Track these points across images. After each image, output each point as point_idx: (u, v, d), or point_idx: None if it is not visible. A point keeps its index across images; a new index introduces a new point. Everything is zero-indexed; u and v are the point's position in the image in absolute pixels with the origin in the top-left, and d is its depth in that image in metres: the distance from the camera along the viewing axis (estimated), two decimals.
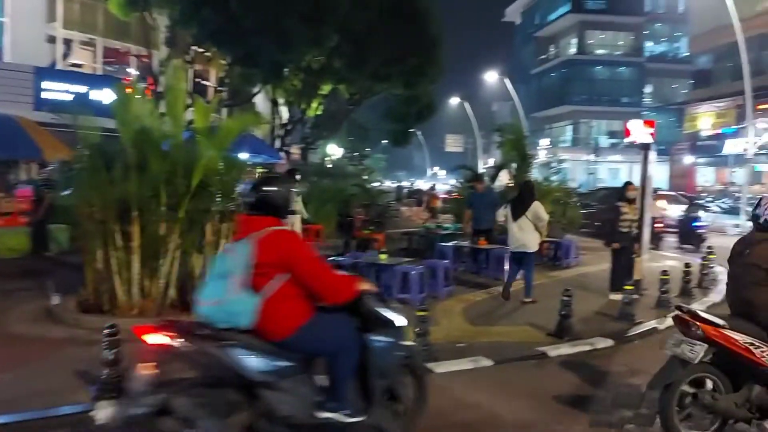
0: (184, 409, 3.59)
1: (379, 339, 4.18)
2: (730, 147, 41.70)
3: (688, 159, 47.14)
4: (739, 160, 40.52)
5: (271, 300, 3.80)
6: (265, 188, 4.01)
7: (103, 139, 8.37)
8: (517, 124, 16.33)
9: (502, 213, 9.63)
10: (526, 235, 9.12)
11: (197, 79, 25.12)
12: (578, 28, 59.43)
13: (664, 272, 9.32)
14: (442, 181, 67.55)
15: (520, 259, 9.32)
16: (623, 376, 6.37)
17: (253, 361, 3.70)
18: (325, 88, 24.36)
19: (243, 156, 14.65)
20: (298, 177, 12.35)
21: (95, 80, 19.58)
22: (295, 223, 12.02)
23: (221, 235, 8.08)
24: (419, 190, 39.29)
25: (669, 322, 8.31)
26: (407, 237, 14.91)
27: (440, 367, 6.27)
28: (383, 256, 9.48)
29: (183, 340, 3.65)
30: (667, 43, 61.38)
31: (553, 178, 16.05)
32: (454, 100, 60.99)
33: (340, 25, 18.71)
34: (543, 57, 65.40)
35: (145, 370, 3.58)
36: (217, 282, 3.81)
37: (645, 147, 10.01)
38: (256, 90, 21.85)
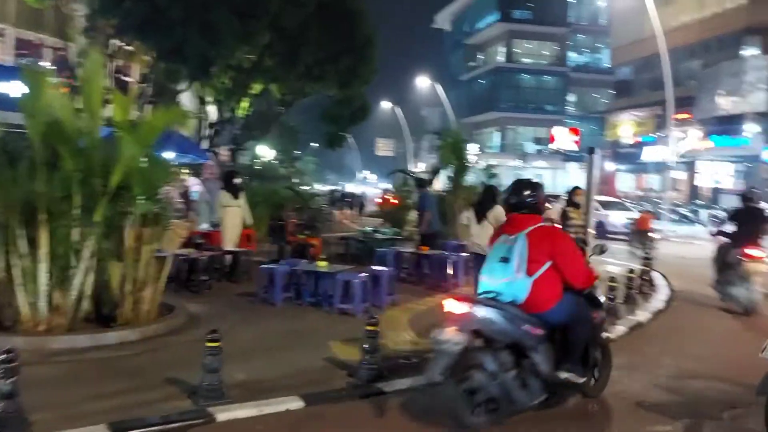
0: (492, 365, 4.67)
1: (598, 315, 5.41)
2: (649, 154, 43.41)
3: (609, 165, 48.65)
4: (659, 167, 42.28)
5: (538, 281, 4.91)
6: (527, 192, 5.22)
7: (8, 135, 7.42)
8: (455, 128, 16.07)
9: (466, 216, 9.30)
10: (485, 238, 8.83)
11: (118, 75, 23.65)
12: (506, 37, 60.53)
13: (612, 278, 9.16)
14: (371, 185, 67.34)
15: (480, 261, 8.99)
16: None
17: (527, 329, 4.76)
18: (256, 88, 23.43)
19: (168, 155, 13.68)
20: (238, 180, 11.62)
21: (2, 71, 17.98)
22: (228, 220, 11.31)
23: (144, 240, 7.27)
24: (352, 194, 38.78)
25: (619, 329, 8.15)
26: (344, 242, 14.34)
27: (392, 386, 5.71)
28: (322, 263, 8.88)
29: (479, 308, 4.81)
30: (590, 53, 63.46)
31: (491, 182, 15.83)
32: (385, 105, 60.89)
33: (272, 21, 17.94)
34: (472, 64, 66.29)
35: (453, 334, 4.58)
36: (502, 265, 4.99)
37: (591, 151, 9.85)
38: (182, 87, 20.71)
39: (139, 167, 7.23)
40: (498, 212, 8.93)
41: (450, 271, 10.56)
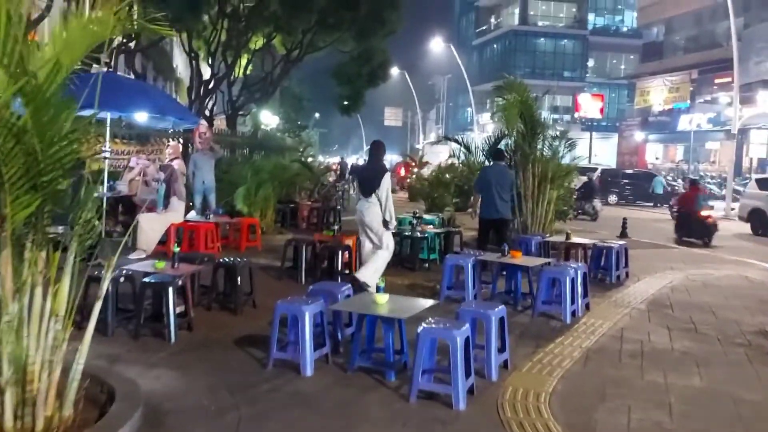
0: None
1: None
2: (685, 123, 39.72)
3: (638, 135, 44.89)
4: (698, 136, 38.50)
5: None
6: None
7: None
8: (521, 82, 12.22)
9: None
10: None
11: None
12: None
13: None
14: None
15: None
16: None
17: None
18: (257, 41, 19.56)
19: (140, 117, 9.94)
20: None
21: None
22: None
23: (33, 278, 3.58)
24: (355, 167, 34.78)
25: None
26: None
27: None
28: (381, 300, 5.18)
29: None
30: (611, 15, 59.43)
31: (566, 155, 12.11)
32: (393, 71, 56.66)
33: None
34: (484, 28, 62.30)
35: None
36: None
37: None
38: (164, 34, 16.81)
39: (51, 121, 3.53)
40: None
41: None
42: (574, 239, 8.96)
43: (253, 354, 5.19)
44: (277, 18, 17.20)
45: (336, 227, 8.47)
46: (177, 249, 7.07)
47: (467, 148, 12.96)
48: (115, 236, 10.18)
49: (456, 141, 13.12)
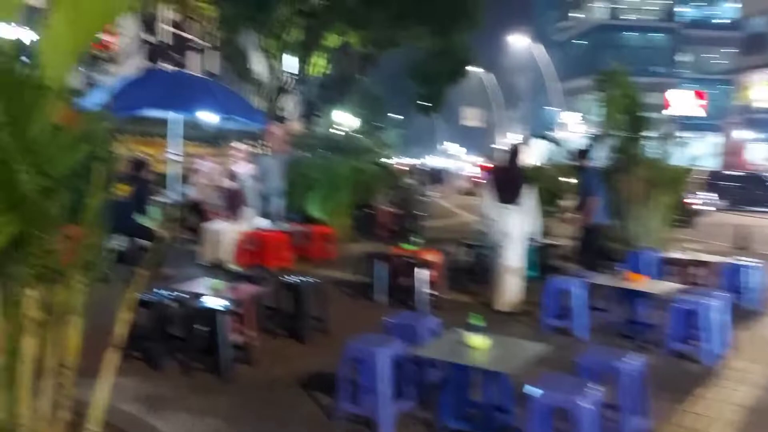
0: None
1: None
2: None
3: (741, 134, 41.65)
4: None
5: None
6: None
7: None
8: (624, 72, 10.86)
9: None
10: None
11: (175, 31, 19.61)
12: None
13: None
14: (455, 160, 62.41)
15: None
16: None
17: None
18: (333, 40, 18.85)
19: (205, 116, 9.30)
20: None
21: None
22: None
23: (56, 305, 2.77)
24: (441, 170, 33.74)
25: None
26: (465, 249, 9.18)
27: None
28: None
29: None
30: (705, 7, 55.91)
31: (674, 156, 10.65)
32: (471, 69, 55.17)
33: None
34: (567, 23, 60.04)
35: None
36: None
37: None
38: (236, 32, 16.32)
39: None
40: None
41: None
42: (700, 255, 7.60)
43: (320, 401, 4.27)
44: (353, 14, 16.40)
45: (418, 239, 7.45)
46: (236, 267, 6.30)
47: (560, 146, 11.72)
48: (183, 244, 9.64)
49: (549, 139, 11.86)
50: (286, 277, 5.86)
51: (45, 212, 2.41)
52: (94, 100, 8.94)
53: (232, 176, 8.49)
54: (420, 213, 13.08)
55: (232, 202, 8.29)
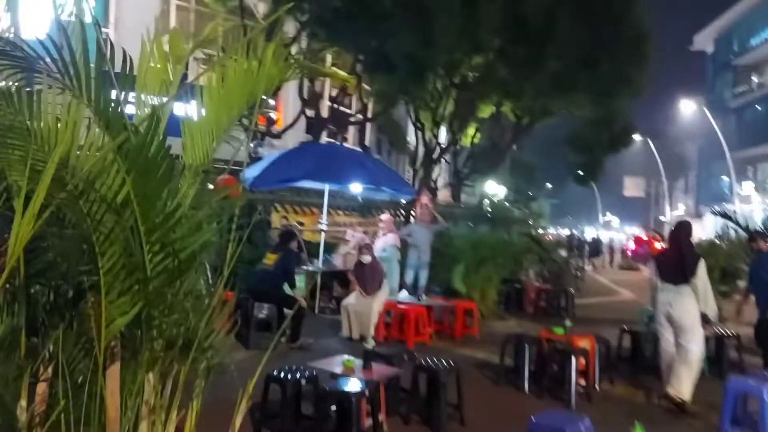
0: None
1: None
2: None
3: None
4: None
5: None
6: None
7: None
8: None
9: None
10: None
11: (333, 104, 20.61)
12: None
13: None
14: (613, 231, 59.29)
15: None
16: None
17: None
18: (485, 109, 18.82)
19: (355, 187, 9.44)
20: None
21: None
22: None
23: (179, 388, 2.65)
24: (598, 242, 31.89)
25: None
26: (631, 338, 8.10)
27: None
28: None
29: None
30: None
31: None
32: (634, 137, 52.69)
33: (506, 9, 13.22)
34: (743, 89, 55.71)
35: None
36: None
37: None
38: (391, 104, 16.78)
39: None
40: None
41: None
42: None
43: None
44: (506, 84, 16.26)
45: (568, 322, 6.79)
46: (373, 342, 6.08)
47: (734, 221, 10.51)
48: (327, 314, 9.67)
49: (721, 214, 10.64)
50: (423, 359, 5.53)
51: (170, 293, 2.32)
52: (253, 173, 9.50)
53: (369, 249, 8.41)
54: (573, 289, 12.22)
55: (372, 275, 8.19)
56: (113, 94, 2.38)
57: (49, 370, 2.31)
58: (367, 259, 8.20)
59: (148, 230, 2.17)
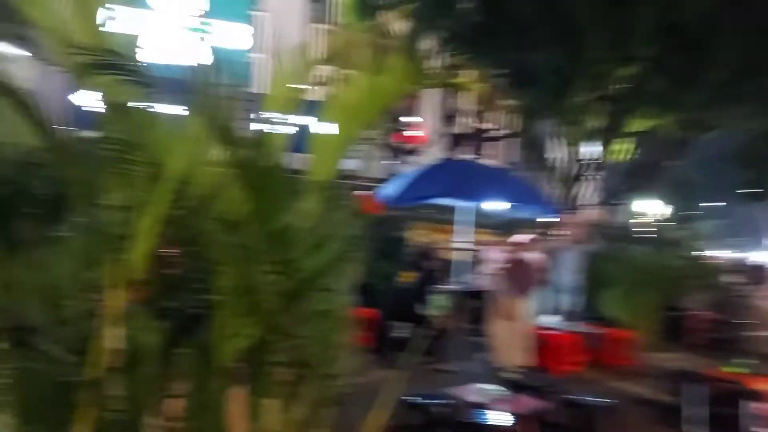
0: None
1: None
2: None
3: None
4: None
5: None
6: None
7: None
8: None
9: None
10: None
11: (474, 121, 20.30)
12: None
13: None
14: None
15: None
16: None
17: None
18: (638, 125, 17.59)
19: (494, 205, 9.10)
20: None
21: None
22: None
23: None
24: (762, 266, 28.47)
25: None
26: None
27: None
28: None
29: None
30: None
31: None
32: None
33: (662, 15, 12.29)
34: None
35: None
36: None
37: None
38: (534, 119, 16.15)
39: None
40: None
41: None
42: None
43: None
44: (663, 96, 15.08)
45: (747, 361, 5.91)
46: (518, 370, 5.72)
47: None
48: (468, 335, 9.33)
49: None
50: (575, 392, 5.05)
51: (288, 316, 2.17)
52: (392, 190, 9.46)
53: (536, 243, 8.02)
54: (745, 321, 10.91)
55: (528, 274, 7.74)
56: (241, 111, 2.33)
57: (176, 387, 2.25)
58: (526, 255, 7.78)
59: (262, 249, 2.04)
